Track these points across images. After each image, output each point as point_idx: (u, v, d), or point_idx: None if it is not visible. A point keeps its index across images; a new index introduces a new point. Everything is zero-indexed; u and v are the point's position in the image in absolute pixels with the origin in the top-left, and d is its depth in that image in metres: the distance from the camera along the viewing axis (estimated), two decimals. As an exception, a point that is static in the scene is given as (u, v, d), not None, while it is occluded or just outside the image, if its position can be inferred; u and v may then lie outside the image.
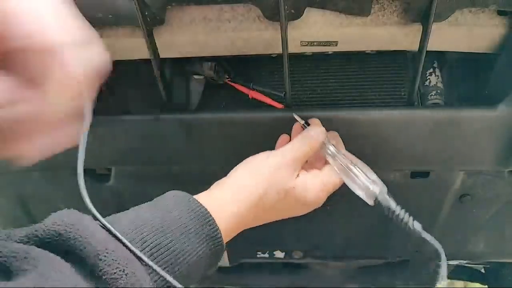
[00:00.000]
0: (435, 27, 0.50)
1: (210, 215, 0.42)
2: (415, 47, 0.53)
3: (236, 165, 0.50)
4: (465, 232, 0.77)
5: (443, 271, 0.40)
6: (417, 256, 0.82)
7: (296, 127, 0.54)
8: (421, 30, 0.51)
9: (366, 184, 0.47)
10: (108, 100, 0.68)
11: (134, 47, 0.56)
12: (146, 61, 0.56)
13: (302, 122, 0.52)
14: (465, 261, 0.93)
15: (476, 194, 0.70)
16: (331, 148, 0.49)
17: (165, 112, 0.61)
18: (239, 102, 0.67)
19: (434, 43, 0.54)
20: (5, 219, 0.84)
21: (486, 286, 1.21)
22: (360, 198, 0.48)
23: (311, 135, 0.49)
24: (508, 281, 1.10)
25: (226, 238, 0.44)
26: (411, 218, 0.45)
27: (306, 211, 0.51)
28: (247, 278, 1.06)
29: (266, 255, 0.87)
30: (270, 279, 1.11)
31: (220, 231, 0.42)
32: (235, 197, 0.46)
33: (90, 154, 0.62)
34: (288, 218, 0.52)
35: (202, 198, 0.44)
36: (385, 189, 0.47)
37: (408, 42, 0.55)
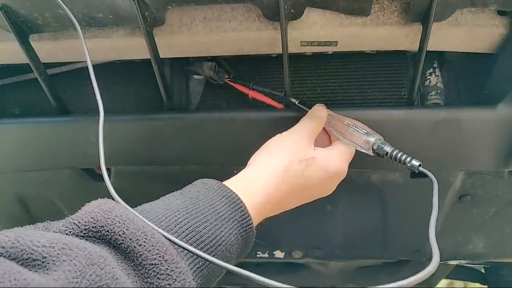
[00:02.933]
0: (435, 27, 0.50)
1: (241, 201, 0.41)
2: (415, 47, 0.53)
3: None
4: (465, 232, 0.77)
5: (435, 198, 0.42)
6: (417, 256, 0.82)
7: None
8: (421, 30, 0.51)
9: (363, 137, 0.50)
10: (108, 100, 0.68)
11: (134, 47, 0.56)
12: (146, 61, 0.56)
13: (306, 109, 0.55)
14: (465, 261, 0.93)
15: (476, 194, 0.70)
16: (329, 116, 0.54)
17: (165, 112, 0.61)
18: (239, 102, 0.67)
19: (434, 43, 0.54)
20: (5, 219, 0.84)
21: (486, 286, 1.21)
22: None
23: (315, 113, 0.53)
24: (508, 281, 1.10)
25: (256, 220, 0.43)
26: (409, 157, 0.47)
27: (333, 184, 0.51)
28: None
29: (266, 255, 0.87)
30: (270, 279, 1.10)
31: (251, 217, 0.41)
32: (261, 174, 0.46)
33: (89, 154, 0.63)
34: (303, 208, 0.51)
35: (229, 184, 0.44)
36: (380, 137, 0.50)
37: (408, 42, 0.55)
